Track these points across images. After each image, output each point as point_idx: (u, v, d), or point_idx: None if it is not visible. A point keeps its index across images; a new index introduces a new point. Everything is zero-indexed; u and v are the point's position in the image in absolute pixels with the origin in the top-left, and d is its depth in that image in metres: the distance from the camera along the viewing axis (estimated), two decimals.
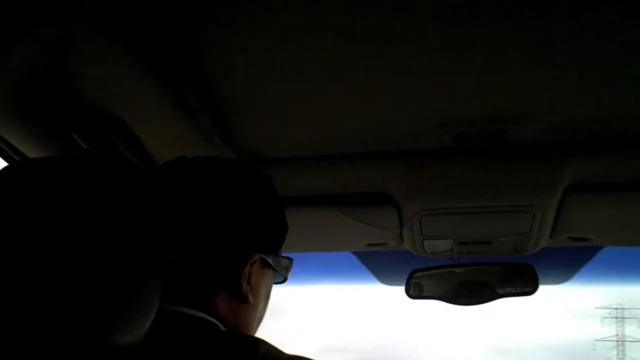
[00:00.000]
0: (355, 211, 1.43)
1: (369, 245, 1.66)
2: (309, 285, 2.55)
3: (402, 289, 1.85)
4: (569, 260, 1.96)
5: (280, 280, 1.02)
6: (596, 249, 1.81)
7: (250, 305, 0.92)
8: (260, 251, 0.92)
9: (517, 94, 1.04)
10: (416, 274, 1.81)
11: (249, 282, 0.90)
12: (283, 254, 1.00)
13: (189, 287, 0.87)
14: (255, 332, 0.98)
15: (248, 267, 0.90)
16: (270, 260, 0.94)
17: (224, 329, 0.86)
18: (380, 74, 0.98)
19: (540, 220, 1.39)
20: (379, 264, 2.05)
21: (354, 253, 1.91)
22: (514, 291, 1.80)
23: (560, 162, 1.22)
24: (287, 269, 1.01)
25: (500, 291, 1.80)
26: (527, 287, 1.79)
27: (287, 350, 0.85)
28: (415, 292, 1.84)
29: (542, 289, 2.05)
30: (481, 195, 1.31)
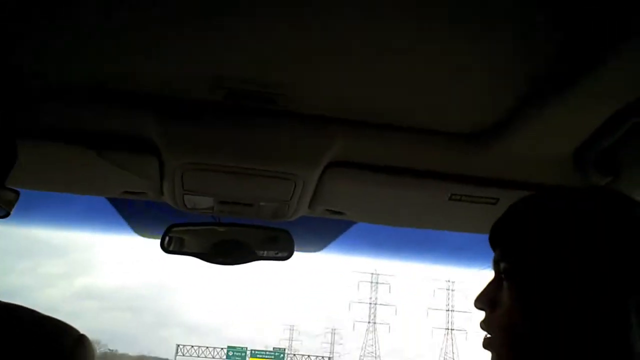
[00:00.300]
0: (114, 155, 1.33)
1: (126, 193, 1.56)
2: (55, 229, 2.36)
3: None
4: (326, 230, 2.05)
5: (2, 214, 0.95)
6: (351, 223, 1.91)
7: None
8: None
9: (292, 63, 1.04)
10: (174, 229, 1.75)
11: None
12: (14, 188, 0.95)
13: None
14: None
15: None
16: None
17: None
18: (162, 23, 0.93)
19: (302, 190, 1.41)
20: (137, 213, 1.95)
21: (109, 199, 1.78)
22: (271, 255, 1.83)
23: (327, 137, 1.25)
24: (12, 202, 0.95)
25: (257, 253, 1.82)
26: (283, 252, 1.83)
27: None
28: (171, 247, 1.78)
29: (300, 255, 2.14)
30: (246, 157, 1.30)
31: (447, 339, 76.12)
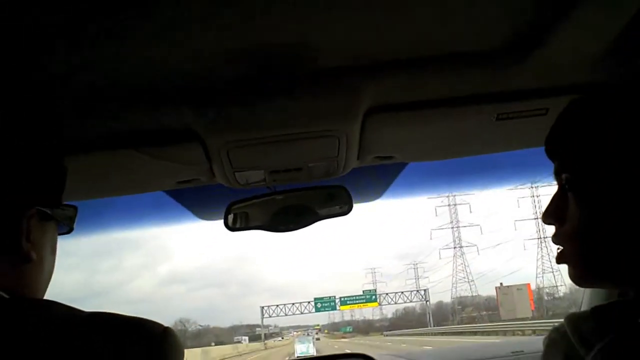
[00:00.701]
0: (159, 150, 1.37)
1: (180, 183, 1.61)
2: (126, 230, 2.46)
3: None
4: (381, 177, 2.06)
5: (65, 230, 0.97)
6: (403, 165, 1.91)
7: (34, 263, 0.86)
8: (36, 204, 0.87)
9: (315, 17, 1.02)
10: (234, 207, 1.79)
11: (28, 239, 0.84)
12: (67, 202, 0.97)
13: None
14: (44, 291, 0.92)
15: (25, 223, 0.84)
16: (49, 212, 0.89)
17: (6, 297, 0.79)
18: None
19: (346, 143, 1.42)
20: (196, 200, 2.01)
21: (167, 192, 1.84)
22: (331, 212, 1.86)
23: (359, 87, 1.24)
24: (72, 218, 0.97)
25: (318, 214, 1.85)
26: (342, 207, 1.85)
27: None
28: (234, 224, 1.83)
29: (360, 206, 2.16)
30: (285, 123, 1.31)
31: (541, 249, 72.35)
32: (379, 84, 1.25)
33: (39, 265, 0.89)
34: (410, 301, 75.18)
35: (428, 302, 72.60)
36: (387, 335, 68.66)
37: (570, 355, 0.72)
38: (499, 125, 1.44)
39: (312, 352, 29.29)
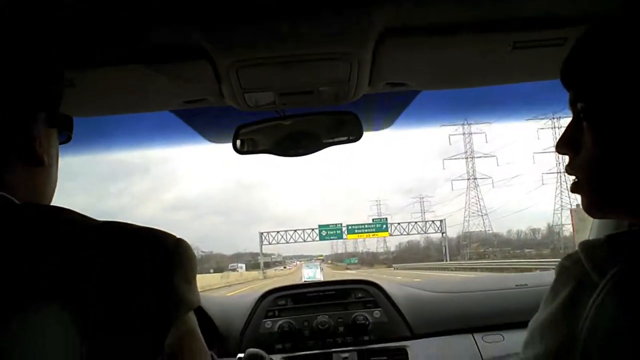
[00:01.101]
0: (166, 66, 1.34)
1: (187, 102, 1.59)
2: (133, 150, 2.46)
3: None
4: (391, 105, 2.03)
5: (64, 139, 0.98)
6: (415, 93, 1.88)
7: (45, 168, 0.89)
8: (43, 109, 0.88)
9: None
10: (242, 130, 1.78)
11: (40, 144, 0.86)
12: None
13: None
14: (51, 199, 0.94)
15: (36, 126, 0.86)
16: (54, 118, 0.91)
17: (17, 202, 0.80)
18: None
19: (358, 67, 1.39)
20: (205, 121, 1.99)
21: (175, 113, 1.82)
22: (341, 139, 1.84)
23: (373, 7, 1.19)
24: (71, 126, 0.98)
25: (327, 140, 1.83)
26: (352, 134, 1.83)
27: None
28: (243, 147, 1.82)
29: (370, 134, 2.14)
30: (295, 44, 1.27)
31: (560, 184, 70.86)
32: (393, 5, 1.20)
33: (47, 172, 0.91)
34: (425, 232, 71.88)
35: (445, 235, 68.98)
36: (397, 269, 65.69)
37: (582, 281, 0.72)
38: (516, 54, 1.40)
39: (319, 277, 29.93)
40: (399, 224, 69.83)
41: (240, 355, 1.52)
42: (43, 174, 0.90)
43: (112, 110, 1.65)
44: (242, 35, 1.23)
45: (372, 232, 66.19)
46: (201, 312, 2.18)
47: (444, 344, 2.25)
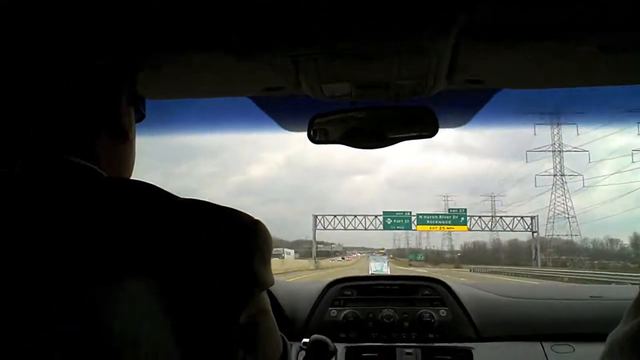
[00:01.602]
0: (250, 55, 1.36)
1: (266, 90, 1.62)
2: (210, 132, 2.52)
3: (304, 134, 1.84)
4: (468, 102, 1.99)
5: (138, 118, 1.01)
6: (493, 92, 1.84)
7: (128, 143, 0.92)
8: (127, 86, 0.91)
9: None
10: (317, 120, 1.79)
11: (124, 119, 0.90)
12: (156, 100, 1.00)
13: (69, 130, 0.82)
14: (131, 175, 0.97)
15: (123, 101, 0.89)
16: (133, 96, 0.94)
17: (105, 175, 0.83)
18: None
19: (437, 62, 1.38)
20: (280, 109, 2.01)
21: (252, 99, 1.85)
22: (414, 134, 1.83)
23: (454, 3, 1.17)
24: (144, 105, 1.02)
25: (402, 133, 1.82)
26: (426, 130, 1.81)
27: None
28: (317, 137, 1.84)
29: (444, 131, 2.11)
30: (376, 36, 1.27)
31: None
32: (477, 1, 1.18)
33: (130, 147, 0.94)
34: (511, 230, 60.74)
35: (536, 234, 59.09)
36: (473, 271, 57.26)
37: None
38: (603, 57, 1.35)
39: (386, 271, 29.67)
40: (479, 217, 60.10)
41: (306, 340, 1.54)
42: (126, 149, 0.93)
43: (193, 94, 1.70)
44: (324, 26, 1.24)
45: (448, 224, 56.25)
46: (270, 295, 2.22)
47: (511, 349, 2.21)
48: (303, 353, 1.53)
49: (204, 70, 1.46)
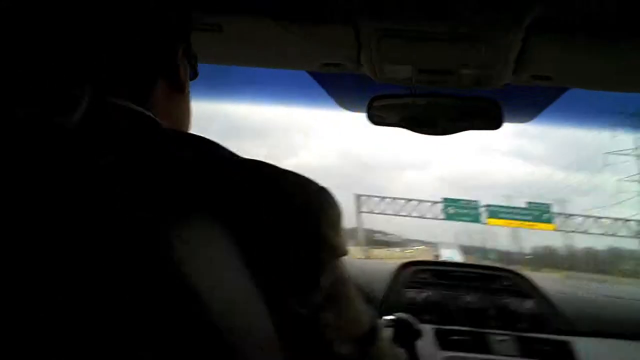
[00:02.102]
0: (311, 27, 1.34)
1: (325, 65, 1.59)
2: (265, 104, 2.50)
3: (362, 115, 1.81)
4: (534, 98, 1.91)
5: (192, 76, 0.97)
6: (561, 90, 1.76)
7: (185, 96, 0.91)
8: (183, 40, 0.89)
9: None
10: (377, 102, 1.75)
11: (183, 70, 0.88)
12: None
13: (127, 77, 0.80)
14: (188, 130, 0.95)
15: (180, 52, 0.87)
16: (189, 51, 0.92)
17: (163, 127, 0.80)
18: None
19: (505, 53, 1.33)
20: (339, 86, 1.99)
21: (310, 74, 1.83)
22: (477, 125, 1.77)
23: None
24: (196, 62, 0.97)
25: (464, 123, 1.77)
26: (490, 122, 1.75)
27: None
28: (377, 118, 1.80)
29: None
30: (444, 19, 1.23)
31: None
32: None
33: (186, 101, 0.92)
34: (614, 234, 45.75)
35: None
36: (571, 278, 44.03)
37: None
38: None
39: (458, 259, 29.24)
40: (569, 215, 46.74)
41: (389, 317, 1.52)
42: (183, 102, 0.91)
43: (250, 62, 1.69)
44: (390, 3, 1.20)
45: (528, 220, 43.23)
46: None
47: (616, 347, 2.11)
48: (386, 330, 1.48)
49: (261, 37, 1.44)
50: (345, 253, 0.79)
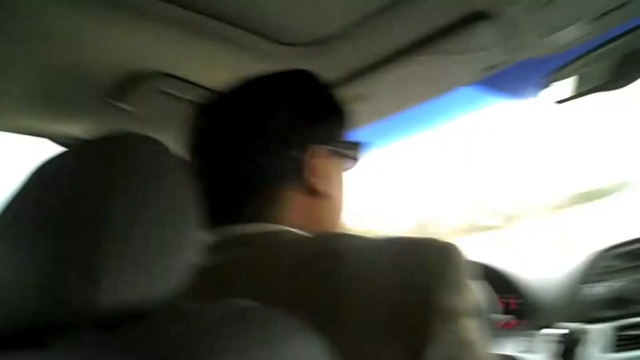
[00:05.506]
0: (454, 39, 1.20)
1: (484, 69, 1.40)
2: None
3: None
4: None
5: (351, 166, 0.99)
6: None
7: (327, 198, 0.91)
8: (316, 142, 0.90)
9: None
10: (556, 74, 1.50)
11: (313, 174, 0.89)
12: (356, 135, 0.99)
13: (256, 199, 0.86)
14: (335, 226, 0.96)
15: (310, 160, 0.88)
16: (333, 148, 0.93)
17: (300, 233, 0.83)
18: None
19: None
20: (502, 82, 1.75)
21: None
22: None
23: None
24: (356, 152, 0.99)
25: None
26: None
27: None
28: (560, 94, 1.52)
29: None
30: None
31: None
32: None
33: (331, 201, 0.92)
34: None
35: None
36: None
37: None
38: None
39: None
40: None
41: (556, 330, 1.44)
42: (325, 205, 0.92)
43: (403, 107, 1.57)
44: None
45: None
46: (506, 281, 2.06)
47: None
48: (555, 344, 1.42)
49: (407, 78, 1.35)
50: (468, 312, 0.72)
